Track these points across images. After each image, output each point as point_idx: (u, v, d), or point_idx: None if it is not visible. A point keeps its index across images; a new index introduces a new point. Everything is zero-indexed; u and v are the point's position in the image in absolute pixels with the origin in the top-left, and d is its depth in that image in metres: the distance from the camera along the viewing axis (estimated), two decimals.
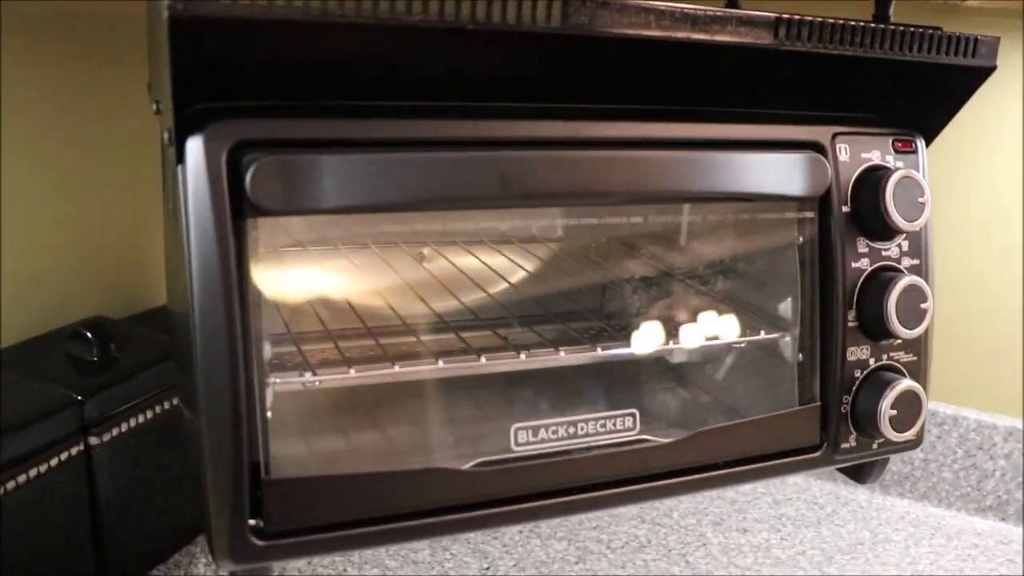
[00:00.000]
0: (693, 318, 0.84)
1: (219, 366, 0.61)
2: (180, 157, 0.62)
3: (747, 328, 0.81)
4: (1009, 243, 1.21)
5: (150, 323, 1.09)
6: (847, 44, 0.72)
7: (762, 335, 0.80)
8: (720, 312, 0.83)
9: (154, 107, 0.80)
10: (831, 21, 0.72)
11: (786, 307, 0.81)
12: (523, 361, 0.73)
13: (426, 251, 0.92)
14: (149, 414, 0.98)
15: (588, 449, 0.72)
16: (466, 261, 0.90)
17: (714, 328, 0.82)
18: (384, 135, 0.63)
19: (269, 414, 0.64)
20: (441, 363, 0.70)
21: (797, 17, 0.70)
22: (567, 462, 0.71)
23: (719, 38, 0.67)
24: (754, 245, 0.84)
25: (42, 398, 0.90)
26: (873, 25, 0.73)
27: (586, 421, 0.71)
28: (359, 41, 0.62)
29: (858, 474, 0.85)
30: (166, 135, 0.65)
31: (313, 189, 0.61)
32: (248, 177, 0.61)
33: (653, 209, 0.81)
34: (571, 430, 0.71)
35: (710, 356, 0.86)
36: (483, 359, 0.72)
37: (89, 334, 0.98)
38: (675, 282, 0.88)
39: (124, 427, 0.96)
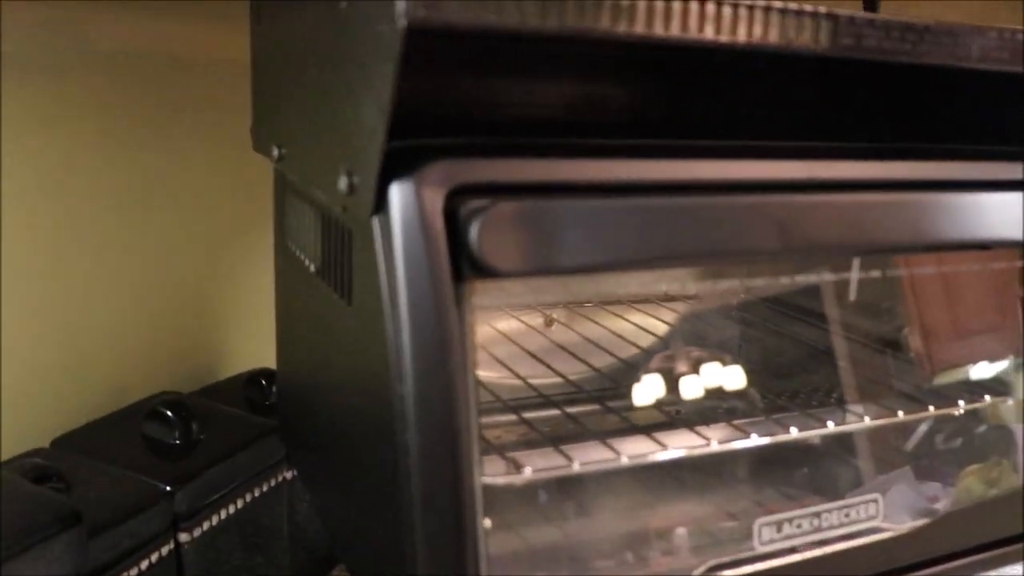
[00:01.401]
0: (908, 387, 0.71)
1: (441, 469, 0.47)
2: (379, 206, 0.47)
3: (963, 393, 0.68)
4: None
5: (218, 399, 0.92)
6: None
7: (987, 399, 0.67)
8: (931, 378, 0.71)
9: (275, 153, 0.66)
10: None
11: (1007, 368, 0.68)
12: (755, 441, 0.59)
13: (555, 314, 0.78)
14: (240, 503, 0.82)
15: (828, 542, 0.58)
16: (611, 323, 0.76)
17: (930, 396, 0.69)
18: (639, 177, 0.49)
19: (487, 522, 0.49)
20: (672, 450, 0.56)
21: None
22: (810, 561, 0.57)
23: None
24: (971, 301, 0.71)
25: (127, 490, 0.74)
26: None
27: (830, 511, 0.57)
28: (632, 66, 0.49)
29: None
30: (344, 181, 0.50)
31: (555, 245, 0.47)
32: (473, 231, 0.46)
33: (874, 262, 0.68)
34: (815, 522, 0.57)
35: (928, 426, 0.73)
36: (714, 443, 0.58)
37: (169, 413, 0.82)
38: (878, 348, 0.75)
39: (214, 520, 0.79)
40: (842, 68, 0.61)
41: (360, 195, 0.49)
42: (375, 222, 0.48)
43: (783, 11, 0.48)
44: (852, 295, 0.74)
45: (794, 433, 0.60)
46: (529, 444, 0.63)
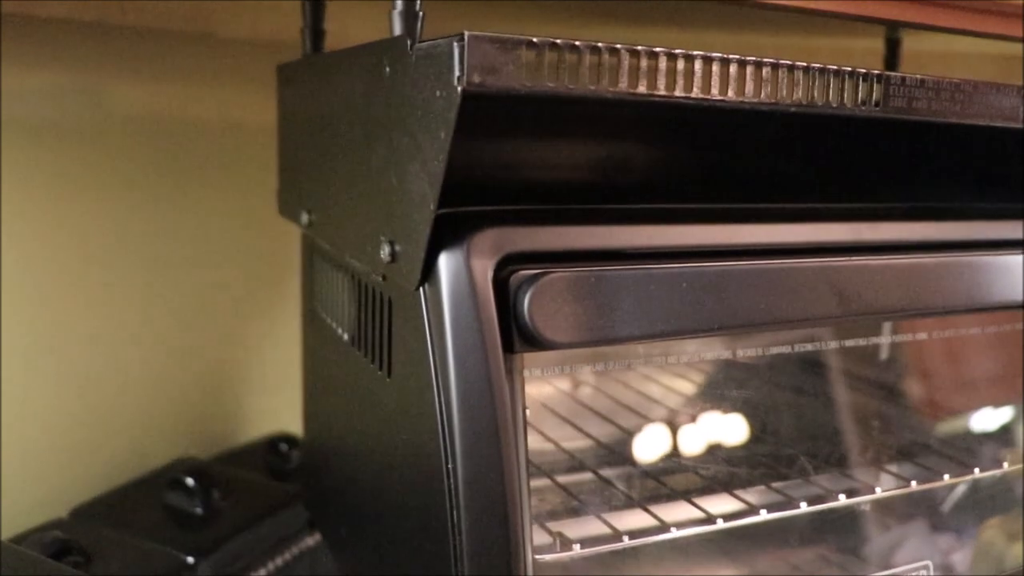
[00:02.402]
0: (942, 447, 0.67)
1: (494, 549, 0.43)
2: (427, 276, 0.44)
3: (1001, 454, 0.65)
4: None
5: (239, 464, 0.89)
6: None
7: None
8: (968, 439, 0.67)
9: (304, 219, 0.63)
10: None
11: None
12: (805, 509, 0.55)
13: (584, 376, 0.75)
14: (263, 573, 0.77)
15: None
16: (640, 384, 0.72)
17: (965, 457, 0.66)
18: (691, 242, 0.46)
19: None
20: (721, 523, 0.52)
21: None
22: None
23: None
24: (1000, 359, 0.68)
25: (149, 562, 0.70)
26: None
27: None
28: (663, 127, 0.46)
29: None
30: (385, 250, 0.47)
31: (609, 315, 0.44)
32: (525, 302, 0.43)
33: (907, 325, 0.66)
34: None
35: (962, 488, 0.70)
36: (763, 512, 0.54)
37: (190, 481, 0.78)
38: (909, 408, 0.72)
39: None
40: (875, 126, 0.58)
41: (403, 264, 0.46)
42: (421, 292, 0.45)
43: (838, 72, 0.45)
44: (884, 354, 0.71)
45: (842, 500, 0.56)
46: (569, 512, 0.59)
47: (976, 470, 0.61)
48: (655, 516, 0.53)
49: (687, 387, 0.71)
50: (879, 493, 0.57)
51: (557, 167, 0.63)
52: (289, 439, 0.89)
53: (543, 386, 0.66)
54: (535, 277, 0.43)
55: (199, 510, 0.77)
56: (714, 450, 0.64)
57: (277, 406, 0.95)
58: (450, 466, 0.44)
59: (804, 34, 0.97)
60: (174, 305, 0.88)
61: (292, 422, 0.75)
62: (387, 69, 0.46)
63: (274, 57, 0.71)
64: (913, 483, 0.58)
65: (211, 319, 0.91)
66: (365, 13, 0.71)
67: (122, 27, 0.81)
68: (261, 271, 0.93)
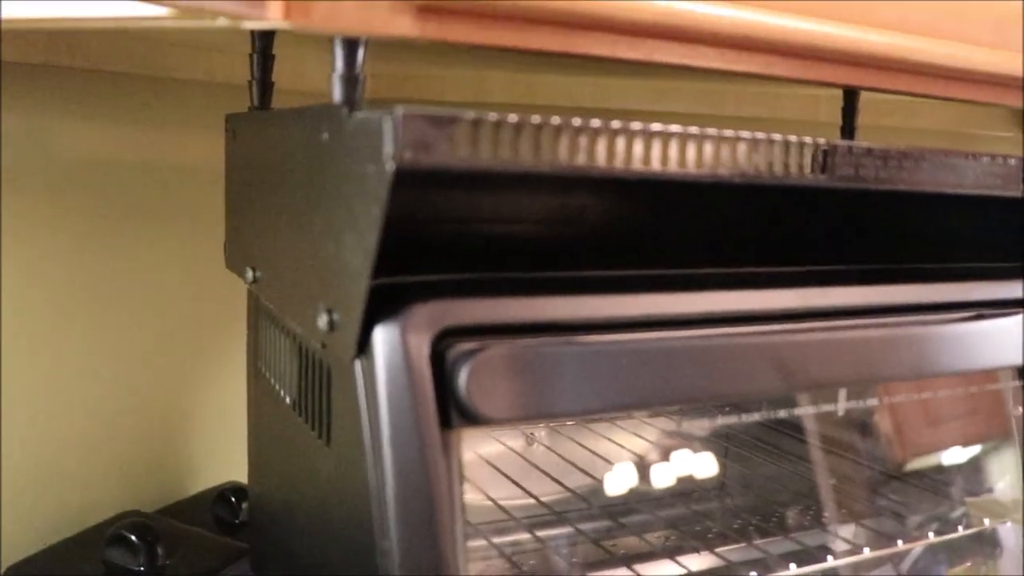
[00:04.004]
0: (897, 514, 0.67)
1: None
2: (362, 348, 0.43)
3: (960, 518, 0.65)
4: None
5: (186, 516, 0.87)
6: None
7: (987, 524, 0.64)
8: (925, 503, 0.67)
9: (249, 275, 0.62)
10: None
11: (1004, 489, 0.65)
12: None
13: (536, 433, 0.74)
14: None
15: None
16: (593, 443, 0.72)
17: (922, 522, 0.66)
18: (632, 313, 0.46)
19: None
20: None
21: None
22: None
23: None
24: (960, 422, 0.68)
25: None
26: None
27: None
28: (598, 200, 0.46)
29: None
30: (323, 319, 0.47)
31: (547, 390, 0.43)
32: (462, 378, 0.42)
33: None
34: None
35: (920, 554, 0.69)
36: None
37: (133, 537, 0.76)
38: (865, 471, 0.71)
39: None
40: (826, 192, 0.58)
41: (341, 334, 0.45)
42: (358, 365, 0.44)
43: (785, 143, 0.45)
44: (840, 412, 0.71)
45: (793, 570, 0.56)
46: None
47: (931, 534, 0.61)
48: None
49: (637, 444, 0.70)
50: (830, 563, 0.57)
51: (511, 220, 0.62)
52: (239, 490, 0.87)
53: (490, 443, 0.65)
54: (473, 352, 0.43)
55: (142, 568, 0.75)
56: (664, 508, 0.63)
57: (227, 456, 0.93)
58: (385, 544, 0.43)
59: (771, 82, 0.98)
60: (121, 353, 0.87)
61: (243, 473, 0.74)
62: (325, 135, 0.45)
63: (229, 101, 0.70)
64: (866, 551, 0.58)
65: (160, 367, 0.90)
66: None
67: (72, 68, 0.80)
68: (211, 319, 0.91)
